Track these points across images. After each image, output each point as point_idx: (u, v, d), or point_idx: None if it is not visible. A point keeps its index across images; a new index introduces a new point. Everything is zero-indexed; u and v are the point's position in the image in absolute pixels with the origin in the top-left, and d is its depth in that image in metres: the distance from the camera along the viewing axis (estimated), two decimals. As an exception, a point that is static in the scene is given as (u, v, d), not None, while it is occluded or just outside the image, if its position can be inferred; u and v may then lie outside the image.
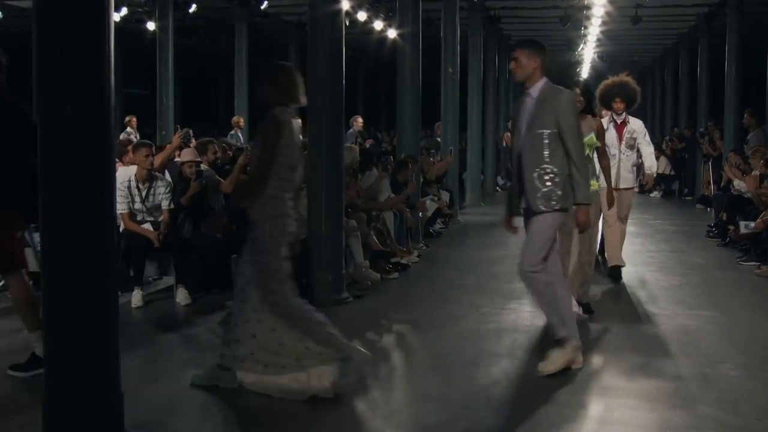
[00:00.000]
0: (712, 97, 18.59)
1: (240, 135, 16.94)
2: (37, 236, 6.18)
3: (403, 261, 9.16)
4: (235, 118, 17.75)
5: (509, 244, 9.37)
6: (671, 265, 9.41)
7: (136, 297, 7.09)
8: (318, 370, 4.70)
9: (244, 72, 19.10)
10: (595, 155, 6.90)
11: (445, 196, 13.28)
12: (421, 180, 11.84)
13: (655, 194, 18.13)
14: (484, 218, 13.97)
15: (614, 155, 7.65)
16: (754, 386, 5.03)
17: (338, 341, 4.77)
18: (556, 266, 5.31)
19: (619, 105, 7.86)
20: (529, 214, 5.26)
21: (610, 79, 8.05)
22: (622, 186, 7.52)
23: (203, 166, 8.08)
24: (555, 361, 5.20)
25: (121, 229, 7.11)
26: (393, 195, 9.81)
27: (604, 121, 7.71)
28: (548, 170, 5.12)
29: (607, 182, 7.14)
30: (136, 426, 4.13)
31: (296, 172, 4.88)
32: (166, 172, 8.20)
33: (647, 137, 8.30)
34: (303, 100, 4.91)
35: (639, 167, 8.70)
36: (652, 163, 8.47)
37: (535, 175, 5.14)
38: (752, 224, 9.47)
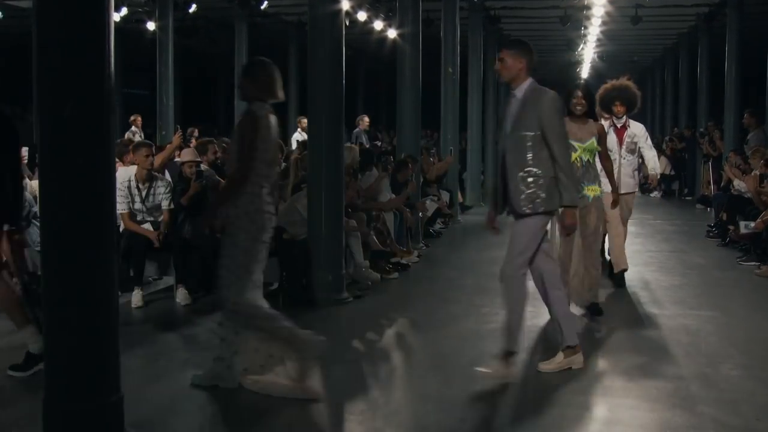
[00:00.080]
0: (712, 97, 18.59)
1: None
2: (36, 235, 6.19)
3: (403, 261, 9.17)
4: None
5: (509, 244, 9.35)
6: (671, 265, 9.41)
7: (136, 297, 7.09)
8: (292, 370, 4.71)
9: (244, 72, 19.06)
10: (597, 160, 6.82)
11: (445, 196, 13.29)
12: (421, 180, 11.84)
13: (655, 194, 18.12)
14: (483, 218, 13.93)
15: (615, 160, 7.61)
16: (754, 386, 5.03)
17: (302, 338, 4.76)
18: (548, 267, 5.27)
19: (619, 108, 7.81)
20: (515, 216, 5.21)
21: (610, 83, 8.01)
22: (623, 191, 7.48)
23: (203, 166, 8.09)
24: (555, 360, 5.25)
25: (121, 229, 7.11)
26: (393, 195, 9.82)
27: (605, 125, 7.65)
28: (532, 173, 5.06)
29: (611, 183, 7.08)
30: (136, 426, 4.12)
31: (273, 168, 4.88)
32: (166, 172, 8.21)
33: (649, 141, 8.24)
34: (281, 95, 4.89)
35: (639, 168, 8.66)
36: (655, 166, 8.43)
37: (519, 177, 5.08)
38: (752, 224, 9.47)
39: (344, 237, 7.59)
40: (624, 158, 7.78)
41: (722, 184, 13.09)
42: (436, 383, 5.10)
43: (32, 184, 7.66)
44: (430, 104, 13.52)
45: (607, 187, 7.01)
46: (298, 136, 15.53)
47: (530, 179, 5.06)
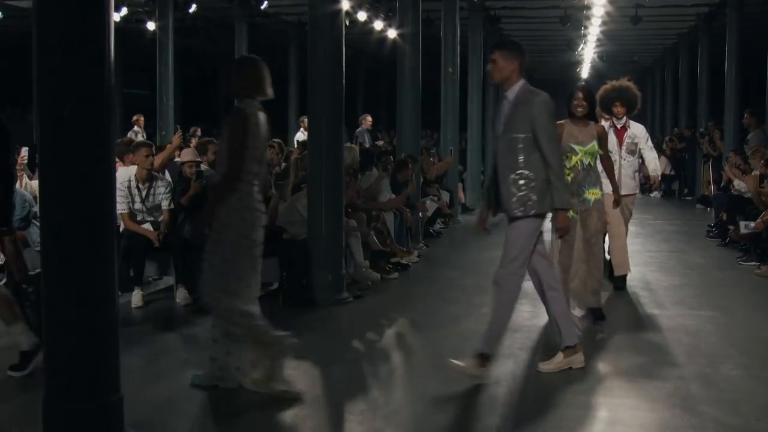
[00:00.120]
0: (712, 97, 18.58)
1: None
2: (36, 235, 6.19)
3: (403, 261, 9.17)
4: None
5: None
6: (671, 265, 9.41)
7: (136, 297, 7.09)
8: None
9: (244, 72, 19.06)
10: (598, 162, 6.79)
11: (445, 196, 13.28)
12: (421, 180, 11.84)
13: (655, 194, 18.10)
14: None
15: (615, 161, 7.59)
16: (754, 386, 5.03)
17: (274, 338, 4.76)
18: (544, 267, 5.25)
19: (619, 109, 7.78)
20: (508, 220, 5.17)
21: (610, 84, 7.98)
22: (623, 192, 7.45)
23: (203, 166, 8.08)
24: (555, 360, 5.25)
25: (121, 229, 7.11)
26: (393, 195, 9.81)
27: (605, 125, 7.63)
28: (523, 175, 5.02)
29: (612, 184, 7.07)
30: (136, 426, 4.12)
31: (263, 165, 4.87)
32: (166, 172, 8.20)
33: (650, 142, 8.21)
34: (270, 92, 4.86)
35: (639, 169, 8.64)
36: (656, 167, 8.41)
37: (511, 179, 5.04)
38: (752, 224, 9.47)
39: (344, 237, 7.59)
40: (624, 159, 7.74)
41: (722, 184, 13.09)
42: (436, 383, 5.10)
43: (32, 184, 7.67)
44: (430, 104, 13.51)
45: (608, 187, 6.99)
46: (301, 135, 15.45)
47: (522, 182, 5.02)
